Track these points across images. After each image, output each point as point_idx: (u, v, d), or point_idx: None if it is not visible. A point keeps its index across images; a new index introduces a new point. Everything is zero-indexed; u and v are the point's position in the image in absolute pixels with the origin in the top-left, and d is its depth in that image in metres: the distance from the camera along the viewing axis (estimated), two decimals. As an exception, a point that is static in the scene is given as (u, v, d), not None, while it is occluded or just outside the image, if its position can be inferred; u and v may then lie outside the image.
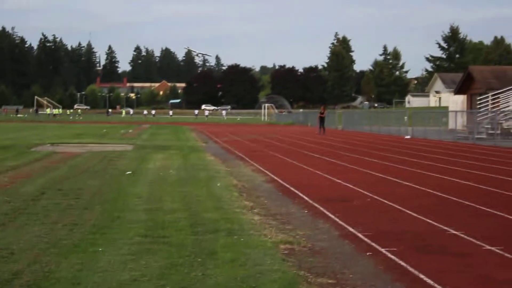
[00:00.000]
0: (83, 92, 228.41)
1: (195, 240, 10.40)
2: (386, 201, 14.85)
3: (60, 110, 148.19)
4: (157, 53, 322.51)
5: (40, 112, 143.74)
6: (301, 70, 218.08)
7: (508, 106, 47.58)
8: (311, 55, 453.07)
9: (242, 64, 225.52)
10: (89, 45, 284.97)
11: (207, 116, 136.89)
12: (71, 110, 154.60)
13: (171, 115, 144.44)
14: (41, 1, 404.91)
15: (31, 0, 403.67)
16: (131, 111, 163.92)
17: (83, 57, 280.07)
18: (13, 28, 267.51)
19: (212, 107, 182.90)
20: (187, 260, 9.05)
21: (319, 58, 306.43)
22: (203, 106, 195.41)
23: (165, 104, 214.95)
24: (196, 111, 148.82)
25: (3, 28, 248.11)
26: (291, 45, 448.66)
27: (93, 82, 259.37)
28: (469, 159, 27.69)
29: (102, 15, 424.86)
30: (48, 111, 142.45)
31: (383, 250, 10.00)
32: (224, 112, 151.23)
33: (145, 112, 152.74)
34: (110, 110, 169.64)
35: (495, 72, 58.77)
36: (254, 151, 32.54)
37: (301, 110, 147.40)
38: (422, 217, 12.83)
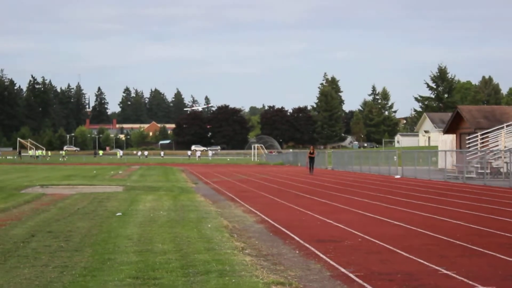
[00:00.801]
0: (72, 134, 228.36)
1: (186, 282, 10.34)
2: (377, 241, 14.83)
3: (44, 152, 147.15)
4: (147, 94, 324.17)
5: (23, 154, 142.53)
6: (290, 110, 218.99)
7: (497, 145, 47.74)
8: (300, 95, 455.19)
9: (232, 105, 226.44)
10: (78, 86, 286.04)
11: (199, 157, 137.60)
12: (50, 152, 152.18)
13: (162, 156, 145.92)
14: (30, 43, 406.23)
15: (20, 43, 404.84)
16: (121, 152, 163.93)
17: (72, 98, 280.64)
18: (2, 71, 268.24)
19: (202, 148, 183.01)
20: (178, 302, 8.99)
21: (308, 98, 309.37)
22: (193, 147, 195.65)
23: (155, 145, 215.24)
24: (189, 152, 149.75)
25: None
26: (280, 86, 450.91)
27: (82, 124, 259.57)
28: (459, 198, 27.71)
29: (91, 57, 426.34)
30: (30, 153, 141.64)
31: (375, 290, 9.97)
32: (210, 153, 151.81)
33: (139, 153, 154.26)
34: (100, 151, 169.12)
35: (483, 111, 59.08)
36: (244, 192, 32.51)
37: (291, 150, 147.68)
38: (413, 257, 12.81)
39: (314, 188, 35.59)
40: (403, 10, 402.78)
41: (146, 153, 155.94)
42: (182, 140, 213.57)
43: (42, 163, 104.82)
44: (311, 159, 57.90)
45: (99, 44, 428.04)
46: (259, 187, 36.45)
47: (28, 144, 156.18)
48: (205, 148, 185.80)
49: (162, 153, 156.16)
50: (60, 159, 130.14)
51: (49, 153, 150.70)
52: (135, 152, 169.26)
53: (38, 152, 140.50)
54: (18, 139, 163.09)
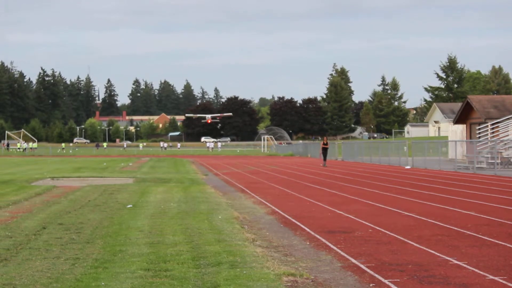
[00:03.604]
0: (82, 126, 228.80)
1: (198, 273, 10.38)
2: (387, 232, 14.84)
3: (35, 145, 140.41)
4: (156, 86, 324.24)
5: (11, 147, 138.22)
6: (300, 101, 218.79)
7: (507, 135, 47.64)
8: (310, 86, 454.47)
9: (241, 96, 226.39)
10: (88, 79, 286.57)
11: (212, 148, 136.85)
12: (33, 144, 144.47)
13: (179, 148, 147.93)
14: (40, 35, 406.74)
15: (29, 35, 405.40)
16: (125, 144, 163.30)
17: (82, 91, 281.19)
18: (12, 63, 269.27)
19: (212, 140, 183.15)
20: (190, 294, 9.02)
21: (318, 89, 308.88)
22: (203, 139, 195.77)
23: (165, 137, 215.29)
24: (211, 144, 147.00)
25: (2, 63, 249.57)
26: (290, 77, 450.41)
27: (92, 116, 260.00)
28: (469, 189, 27.68)
29: (100, 49, 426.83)
30: (18, 145, 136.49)
31: (386, 281, 9.99)
32: (219, 144, 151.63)
33: (165, 144, 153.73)
34: (104, 144, 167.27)
35: (493, 101, 58.90)
36: (254, 183, 32.55)
37: (300, 141, 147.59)
38: (424, 247, 12.82)
39: (324, 179, 35.59)
40: None
41: (165, 145, 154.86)
42: (192, 132, 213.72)
43: (30, 155, 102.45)
44: (325, 150, 56.34)
45: (108, 35, 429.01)
46: (269, 178, 36.48)
47: (16, 137, 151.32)
48: (215, 140, 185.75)
49: (179, 144, 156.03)
50: (59, 151, 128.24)
51: (35, 145, 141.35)
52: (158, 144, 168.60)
53: (28, 145, 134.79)
54: (7, 132, 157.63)
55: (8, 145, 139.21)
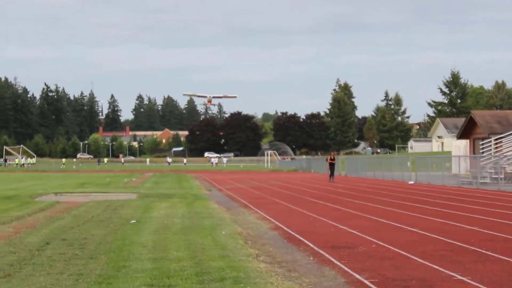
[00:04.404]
0: (85, 141, 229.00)
1: (201, 289, 10.37)
2: (391, 247, 14.82)
3: (34, 160, 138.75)
4: (159, 101, 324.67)
5: (9, 162, 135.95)
6: (303, 116, 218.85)
7: (511, 150, 47.60)
8: (313, 101, 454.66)
9: (244, 112, 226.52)
10: (91, 94, 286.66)
11: (216, 164, 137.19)
12: (31, 159, 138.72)
13: (185, 163, 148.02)
14: (43, 50, 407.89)
15: (33, 50, 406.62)
16: (122, 160, 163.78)
17: (85, 106, 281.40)
18: (15, 78, 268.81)
19: (216, 155, 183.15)
20: (193, 309, 9.02)
21: (321, 104, 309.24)
22: (206, 154, 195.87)
23: (168, 152, 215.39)
24: (215, 159, 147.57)
25: (6, 79, 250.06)
26: (293, 92, 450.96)
27: (95, 131, 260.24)
28: (473, 204, 27.64)
29: (104, 64, 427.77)
30: (16, 161, 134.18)
31: (390, 296, 9.97)
32: (224, 160, 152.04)
33: (169, 159, 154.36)
34: (105, 159, 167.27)
35: (497, 116, 58.94)
36: (258, 199, 32.54)
37: (304, 156, 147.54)
38: (428, 263, 12.80)
39: (327, 194, 35.57)
40: (415, 14, 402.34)
41: (169, 160, 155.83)
42: (195, 147, 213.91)
43: (31, 171, 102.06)
44: (332, 165, 55.68)
45: (111, 51, 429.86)
46: (272, 194, 36.46)
47: (20, 150, 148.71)
48: (218, 155, 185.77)
49: (185, 160, 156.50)
50: (61, 166, 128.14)
51: (34, 160, 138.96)
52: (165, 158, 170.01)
53: (26, 160, 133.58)
54: (5, 147, 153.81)
55: (5, 160, 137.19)
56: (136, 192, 37.62)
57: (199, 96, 79.58)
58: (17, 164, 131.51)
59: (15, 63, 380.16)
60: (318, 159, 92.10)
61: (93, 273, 11.76)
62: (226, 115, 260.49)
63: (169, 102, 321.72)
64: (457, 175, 46.07)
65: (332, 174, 54.70)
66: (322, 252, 14.36)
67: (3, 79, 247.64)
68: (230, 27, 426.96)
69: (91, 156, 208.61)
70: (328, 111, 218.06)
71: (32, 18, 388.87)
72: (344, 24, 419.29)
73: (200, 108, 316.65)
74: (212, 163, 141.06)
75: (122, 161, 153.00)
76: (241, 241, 16.07)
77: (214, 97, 78.81)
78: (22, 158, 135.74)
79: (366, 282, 11.09)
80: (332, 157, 56.52)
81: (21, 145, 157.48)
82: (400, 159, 60.01)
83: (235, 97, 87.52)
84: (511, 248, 14.72)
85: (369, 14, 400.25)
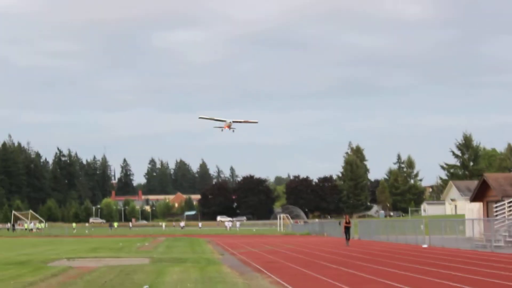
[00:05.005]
0: (98, 206, 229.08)
1: None
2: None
3: (42, 225, 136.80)
4: (172, 165, 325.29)
5: (18, 227, 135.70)
6: (315, 180, 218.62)
7: (525, 213, 47.36)
8: (325, 165, 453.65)
9: (257, 175, 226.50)
10: (103, 158, 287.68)
11: (230, 227, 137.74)
12: (40, 224, 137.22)
13: (200, 227, 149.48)
14: (55, 116, 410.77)
15: (45, 116, 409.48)
16: (130, 224, 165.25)
17: (98, 170, 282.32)
18: (28, 143, 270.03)
19: (229, 219, 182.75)
20: None
21: (334, 167, 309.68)
22: (219, 218, 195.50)
23: (180, 216, 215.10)
24: (229, 223, 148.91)
25: (19, 144, 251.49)
26: (305, 155, 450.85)
27: (108, 195, 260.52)
28: (487, 268, 27.45)
29: (116, 128, 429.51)
30: (26, 226, 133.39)
31: None
32: (238, 223, 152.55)
33: (181, 224, 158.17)
34: (115, 223, 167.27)
35: (510, 179, 58.73)
36: (271, 263, 32.39)
37: (316, 220, 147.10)
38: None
39: (341, 258, 35.39)
40: (425, 77, 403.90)
41: (182, 224, 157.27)
42: (208, 211, 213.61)
43: (40, 236, 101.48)
44: (347, 229, 54.68)
45: (124, 115, 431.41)
46: (286, 258, 36.30)
47: (23, 218, 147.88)
48: (231, 219, 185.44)
49: (200, 224, 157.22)
50: (74, 231, 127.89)
51: (42, 225, 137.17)
52: (174, 223, 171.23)
53: (35, 225, 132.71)
54: (14, 212, 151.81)
55: (14, 226, 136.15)
56: (149, 257, 37.55)
57: (216, 120, 77.74)
58: (26, 229, 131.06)
59: (28, 128, 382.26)
60: (331, 223, 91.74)
61: None
62: (239, 179, 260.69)
63: (182, 166, 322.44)
64: (471, 238, 45.81)
65: (348, 237, 54.07)
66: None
67: (16, 144, 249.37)
68: (241, 91, 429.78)
69: (104, 221, 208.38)
70: (340, 174, 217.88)
71: (41, 82, 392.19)
72: (356, 88, 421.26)
73: (213, 171, 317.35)
74: (226, 226, 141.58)
75: (130, 226, 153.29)
76: (255, 306, 15.99)
77: (234, 121, 77.21)
78: (31, 223, 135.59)
79: None
80: (347, 221, 55.89)
81: (30, 210, 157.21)
82: (413, 222, 59.73)
83: (257, 122, 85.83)
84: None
85: (381, 78, 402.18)
